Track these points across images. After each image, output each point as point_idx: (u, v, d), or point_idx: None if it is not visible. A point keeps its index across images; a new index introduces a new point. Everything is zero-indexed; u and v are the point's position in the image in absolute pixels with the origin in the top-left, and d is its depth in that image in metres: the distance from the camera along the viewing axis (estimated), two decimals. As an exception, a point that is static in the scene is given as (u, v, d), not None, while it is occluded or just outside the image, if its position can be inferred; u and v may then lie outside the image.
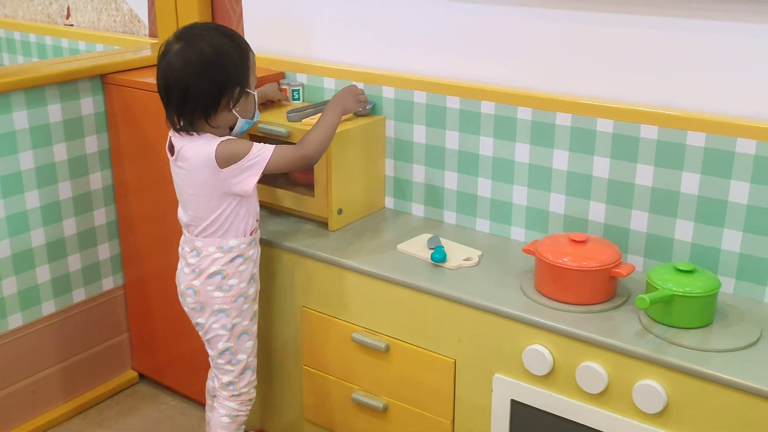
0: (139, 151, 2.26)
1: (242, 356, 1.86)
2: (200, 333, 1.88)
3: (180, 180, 1.78)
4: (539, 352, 1.60)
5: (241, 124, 1.76)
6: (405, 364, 1.83)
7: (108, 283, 2.41)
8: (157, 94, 2.13)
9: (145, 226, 2.33)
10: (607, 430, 1.56)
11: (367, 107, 2.08)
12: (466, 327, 1.72)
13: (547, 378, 1.62)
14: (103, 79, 2.25)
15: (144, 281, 2.39)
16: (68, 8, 2.89)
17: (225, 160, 1.69)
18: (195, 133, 1.72)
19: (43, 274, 2.21)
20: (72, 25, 2.89)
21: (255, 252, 1.84)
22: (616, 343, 1.52)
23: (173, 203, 2.20)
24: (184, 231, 1.84)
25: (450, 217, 2.08)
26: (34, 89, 2.09)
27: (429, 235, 1.98)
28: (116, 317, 2.45)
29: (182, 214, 1.83)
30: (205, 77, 1.66)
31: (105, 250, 2.37)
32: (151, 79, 2.20)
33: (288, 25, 2.28)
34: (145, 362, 2.50)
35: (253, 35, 2.37)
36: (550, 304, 1.65)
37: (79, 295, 2.33)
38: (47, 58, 2.91)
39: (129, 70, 2.28)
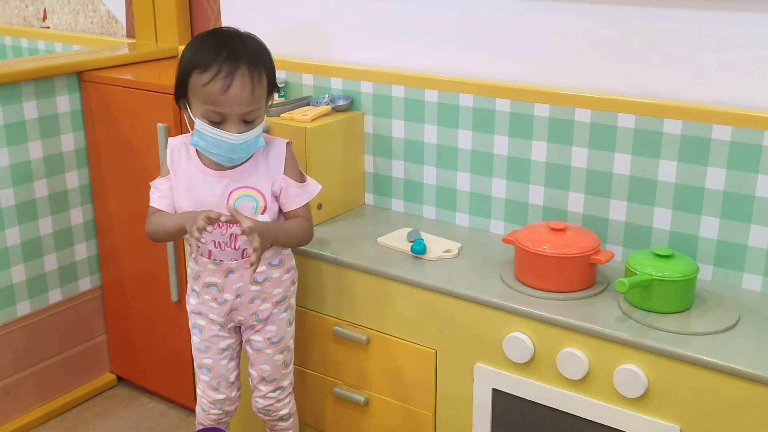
0: (117, 149, 2.24)
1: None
2: None
3: None
4: (520, 340, 1.60)
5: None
6: (386, 357, 1.82)
7: (85, 283, 2.38)
8: (136, 91, 2.14)
9: (123, 226, 2.31)
10: (588, 416, 1.56)
11: (344, 102, 2.08)
12: (446, 317, 1.71)
13: (528, 366, 1.62)
14: (80, 77, 2.23)
15: (122, 282, 2.37)
16: (44, 10, 2.87)
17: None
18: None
19: (18, 274, 2.18)
20: (48, 27, 2.87)
21: (194, 270, 1.74)
22: (596, 329, 1.52)
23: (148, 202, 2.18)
24: None
25: (430, 212, 2.08)
26: (9, 86, 2.07)
27: (409, 229, 1.98)
28: (93, 319, 2.42)
29: None
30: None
31: (82, 250, 2.34)
32: (129, 76, 2.19)
33: (265, 21, 2.28)
34: (124, 364, 2.47)
35: (231, 33, 2.36)
36: (530, 292, 1.65)
37: (55, 296, 2.30)
38: (20, 57, 2.88)
39: (106, 67, 2.27)
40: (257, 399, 1.83)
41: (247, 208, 1.66)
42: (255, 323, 1.75)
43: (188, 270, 1.79)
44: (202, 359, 1.79)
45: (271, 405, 1.82)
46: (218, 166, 1.65)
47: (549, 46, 1.82)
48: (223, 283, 1.71)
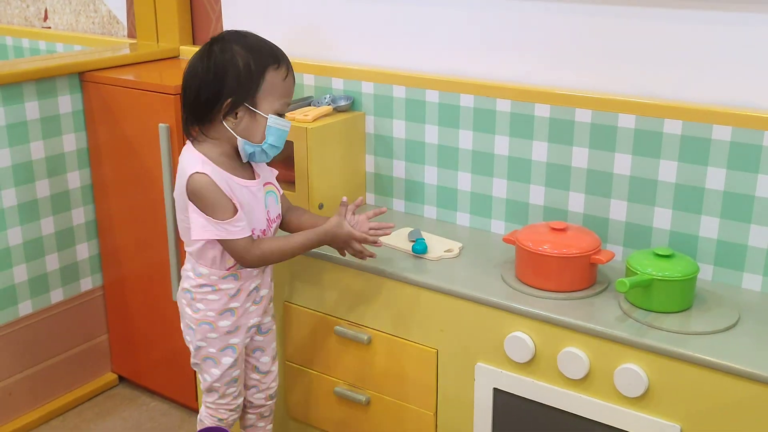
0: (119, 149, 2.25)
1: (207, 377, 1.78)
2: None
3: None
4: (521, 339, 1.61)
5: (241, 144, 1.62)
6: (387, 356, 1.83)
7: (87, 283, 2.38)
8: (137, 91, 2.15)
9: (125, 226, 2.31)
10: (589, 415, 1.56)
11: (345, 103, 2.08)
12: (447, 317, 1.72)
13: (529, 365, 1.62)
14: (82, 77, 2.24)
15: (123, 282, 2.37)
16: (45, 10, 2.88)
17: (192, 195, 1.61)
18: (191, 140, 1.65)
19: (20, 273, 2.19)
20: (50, 27, 2.88)
21: (234, 288, 1.71)
22: (596, 328, 1.53)
23: (153, 203, 2.19)
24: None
25: (430, 211, 2.09)
26: (11, 86, 2.07)
27: (410, 229, 1.98)
28: (95, 319, 2.43)
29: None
30: (202, 83, 1.59)
31: (84, 250, 2.35)
32: (130, 76, 2.20)
33: (266, 22, 2.28)
34: (125, 364, 2.47)
35: (232, 33, 2.37)
36: (531, 292, 1.65)
37: (57, 295, 2.30)
38: (22, 58, 2.89)
39: (108, 68, 2.27)
40: (270, 384, 1.89)
41: (273, 203, 1.72)
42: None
43: (214, 298, 1.71)
44: (231, 374, 1.78)
45: (275, 389, 1.90)
46: (242, 173, 1.66)
47: (549, 47, 1.83)
48: (261, 280, 1.75)
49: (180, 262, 2.19)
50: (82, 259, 2.35)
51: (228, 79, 1.58)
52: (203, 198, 1.60)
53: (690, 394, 1.46)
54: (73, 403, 2.38)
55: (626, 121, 1.73)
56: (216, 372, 1.77)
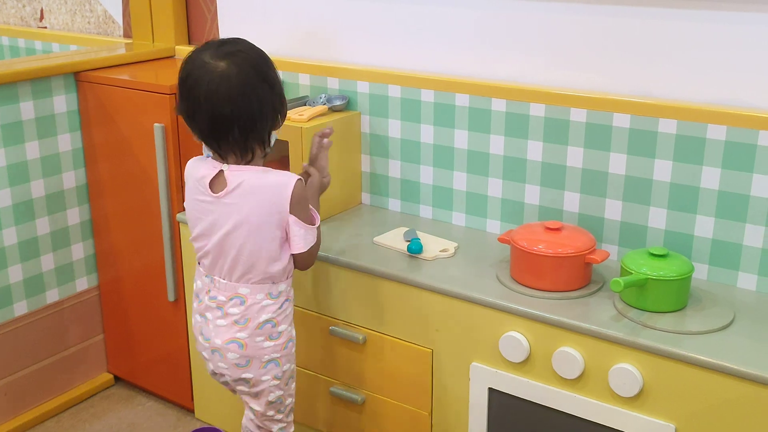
0: (114, 149, 2.24)
1: (290, 400, 1.73)
2: (243, 388, 1.68)
3: (226, 217, 1.57)
4: (516, 339, 1.61)
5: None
6: (383, 356, 1.83)
7: (82, 283, 2.38)
8: (132, 91, 2.14)
9: (121, 226, 2.31)
10: (584, 415, 1.56)
11: (340, 102, 2.08)
12: (442, 316, 1.71)
13: (524, 365, 1.62)
14: (77, 77, 2.23)
15: (119, 282, 2.37)
16: (41, 10, 2.87)
17: (296, 205, 1.57)
18: (248, 162, 1.59)
19: (15, 273, 2.18)
20: (46, 27, 2.87)
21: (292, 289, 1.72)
22: (591, 328, 1.52)
23: (149, 203, 2.19)
24: (219, 278, 1.62)
25: (426, 211, 2.09)
26: (6, 86, 2.07)
27: (405, 228, 1.98)
28: (90, 319, 2.42)
29: (212, 255, 1.62)
30: (267, 105, 1.57)
31: (79, 250, 2.35)
32: (126, 76, 2.19)
33: (262, 22, 2.28)
34: (121, 364, 2.47)
35: (227, 33, 2.37)
36: (526, 292, 1.65)
37: (52, 295, 2.30)
38: (17, 58, 2.88)
39: (103, 68, 2.27)
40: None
41: None
42: None
43: (290, 310, 1.68)
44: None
45: None
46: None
47: (544, 46, 1.83)
48: None
49: (176, 262, 2.19)
50: (78, 259, 2.35)
51: (279, 98, 1.61)
52: (305, 202, 1.61)
53: (685, 393, 1.46)
54: (69, 403, 2.38)
55: (621, 121, 1.73)
56: (294, 385, 1.73)
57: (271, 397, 1.68)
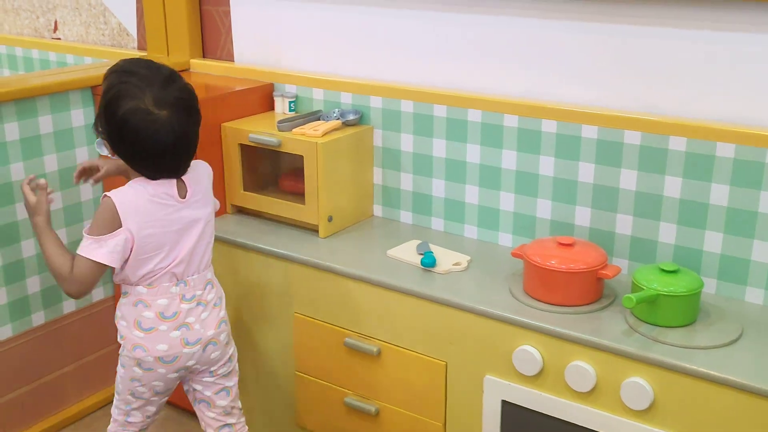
0: (130, 161, 2.27)
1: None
2: (224, 370, 1.80)
3: (195, 213, 1.69)
4: (529, 353, 1.64)
5: None
6: (397, 368, 1.86)
7: (98, 293, 2.42)
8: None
9: (135, 237, 2.34)
10: (596, 427, 1.60)
11: (353, 117, 2.12)
12: (456, 330, 1.75)
13: (537, 378, 1.66)
14: (94, 91, 2.27)
15: (134, 291, 2.40)
16: (55, 22, 2.91)
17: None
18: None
19: (33, 285, 2.22)
20: (59, 38, 2.91)
21: None
22: (603, 342, 1.56)
23: (164, 213, 2.22)
24: (192, 276, 1.71)
25: (438, 224, 2.12)
26: (25, 101, 2.11)
27: (418, 241, 2.01)
28: (106, 328, 2.45)
29: (189, 254, 1.69)
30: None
31: (95, 261, 2.38)
32: (141, 90, 2.23)
33: (276, 36, 2.32)
34: (135, 373, 2.50)
35: (242, 47, 2.41)
36: (539, 306, 1.68)
37: (69, 305, 2.33)
38: (34, 72, 2.92)
39: (119, 81, 2.30)
40: None
41: None
42: None
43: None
44: None
45: None
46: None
47: (556, 64, 1.86)
48: None
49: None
50: (94, 270, 2.38)
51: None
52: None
53: (694, 407, 1.49)
54: (85, 411, 2.41)
55: (632, 138, 1.77)
56: None
57: (238, 369, 1.86)
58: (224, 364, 1.80)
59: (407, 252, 1.96)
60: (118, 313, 1.73)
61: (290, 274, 1.99)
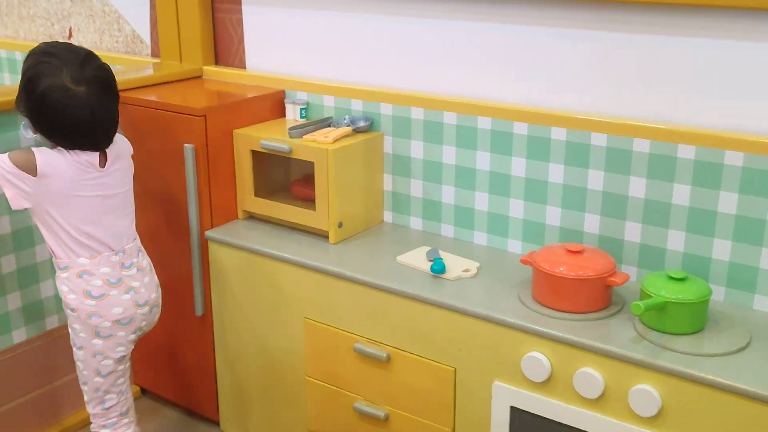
0: (143, 168, 2.29)
1: None
2: (141, 333, 1.94)
3: (115, 184, 1.83)
4: (537, 359, 1.65)
5: None
6: (406, 373, 1.87)
7: (111, 297, 2.44)
8: (162, 112, 2.20)
9: (149, 242, 2.36)
10: (604, 434, 1.61)
11: (364, 124, 2.14)
12: (465, 336, 1.76)
13: (546, 384, 1.66)
14: (108, 98, 2.29)
15: (146, 296, 2.42)
16: (70, 29, 2.94)
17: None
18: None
19: (46, 289, 2.25)
20: (74, 45, 2.94)
21: None
22: (612, 349, 1.57)
23: (177, 220, 2.25)
24: (125, 244, 1.85)
25: (448, 230, 2.14)
26: (41, 107, 2.13)
27: (428, 248, 2.03)
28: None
29: (117, 224, 1.84)
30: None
31: (108, 265, 2.41)
32: (154, 97, 2.26)
33: (288, 44, 2.34)
34: (148, 376, 2.53)
35: (253, 54, 2.43)
36: (548, 313, 1.70)
37: (82, 309, 2.36)
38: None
39: (134, 88, 2.33)
40: None
41: None
42: None
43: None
44: None
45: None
46: None
47: (565, 72, 1.87)
48: None
49: (204, 277, 2.24)
50: (107, 274, 2.41)
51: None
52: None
53: (702, 414, 1.50)
54: (97, 414, 2.43)
55: (641, 146, 1.78)
56: None
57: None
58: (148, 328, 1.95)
59: (417, 258, 1.97)
60: (63, 288, 1.81)
61: (301, 279, 2.01)
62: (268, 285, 2.08)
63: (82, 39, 2.91)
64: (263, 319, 2.13)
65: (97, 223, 1.79)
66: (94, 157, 1.77)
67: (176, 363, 2.42)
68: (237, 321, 2.19)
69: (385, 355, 1.88)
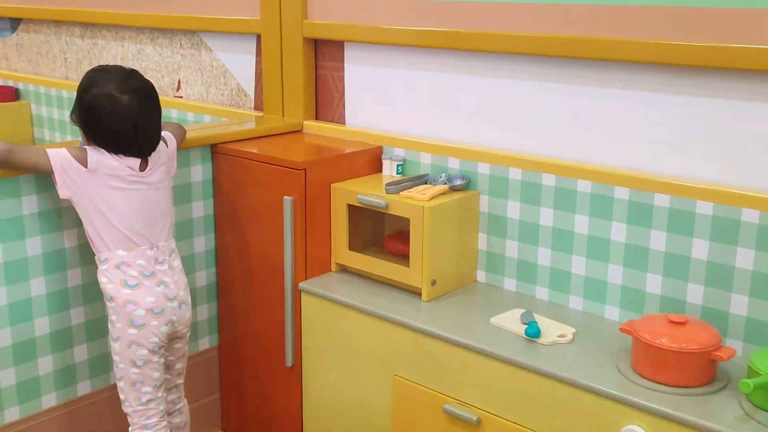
0: (243, 217, 2.37)
1: None
2: (187, 332, 2.07)
3: (155, 185, 1.96)
4: (636, 433, 1.59)
5: None
6: (496, 438, 1.84)
7: (204, 342, 2.49)
8: (263, 164, 2.27)
9: (244, 290, 2.42)
10: None
11: (461, 182, 2.14)
12: (560, 404, 1.72)
13: (644, 460, 1.60)
14: (213, 149, 2.38)
15: (239, 343, 2.47)
16: (179, 81, 3.08)
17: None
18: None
19: (80, 353, 2.19)
20: (182, 97, 3.08)
21: None
22: (716, 428, 1.50)
23: (272, 269, 2.29)
24: (161, 241, 1.98)
25: (542, 293, 2.10)
26: (151, 156, 2.23)
27: (522, 310, 2.00)
28: (209, 377, 2.52)
29: (155, 222, 1.96)
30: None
31: (203, 311, 2.47)
32: (255, 149, 2.33)
33: (387, 101, 2.39)
34: (234, 423, 2.56)
35: (353, 111, 2.49)
36: (648, 385, 1.64)
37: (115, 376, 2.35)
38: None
39: (237, 140, 2.41)
40: None
41: None
42: None
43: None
44: None
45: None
46: None
47: (666, 136, 1.84)
48: None
49: (295, 327, 2.27)
50: (202, 320, 2.47)
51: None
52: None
53: (817, 505, 1.41)
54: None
55: (750, 216, 1.72)
56: None
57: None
58: (188, 328, 2.06)
59: (511, 321, 1.94)
60: (103, 279, 1.94)
61: (392, 336, 2.01)
62: (359, 339, 2.08)
63: (189, 91, 3.04)
64: (352, 373, 2.13)
65: (137, 219, 1.93)
66: (136, 162, 1.92)
67: (264, 411, 2.45)
68: (326, 373, 2.20)
69: (475, 418, 1.85)
